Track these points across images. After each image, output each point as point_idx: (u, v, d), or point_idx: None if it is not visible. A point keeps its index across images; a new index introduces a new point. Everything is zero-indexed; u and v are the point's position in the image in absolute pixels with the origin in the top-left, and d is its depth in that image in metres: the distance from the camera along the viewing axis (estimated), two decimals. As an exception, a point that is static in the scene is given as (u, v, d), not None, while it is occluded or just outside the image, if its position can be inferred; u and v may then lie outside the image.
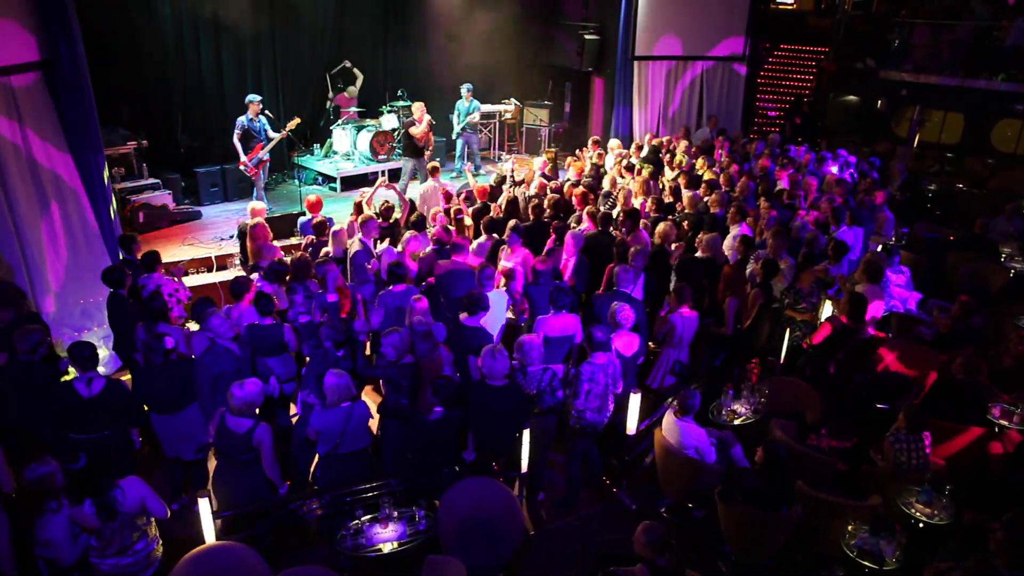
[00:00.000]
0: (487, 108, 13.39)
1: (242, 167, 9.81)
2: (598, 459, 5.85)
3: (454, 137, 12.08)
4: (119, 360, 6.43)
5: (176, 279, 6.60)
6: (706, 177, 9.40)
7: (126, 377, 5.94)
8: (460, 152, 12.12)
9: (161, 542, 4.17)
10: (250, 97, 9.66)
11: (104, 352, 6.58)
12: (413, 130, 10.54)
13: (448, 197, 9.05)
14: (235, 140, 9.62)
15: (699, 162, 10.33)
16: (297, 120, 9.95)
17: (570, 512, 5.72)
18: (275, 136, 9.81)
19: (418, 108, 10.72)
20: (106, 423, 4.80)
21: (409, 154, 10.75)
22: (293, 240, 8.88)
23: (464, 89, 11.84)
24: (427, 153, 10.82)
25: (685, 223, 8.05)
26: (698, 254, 7.18)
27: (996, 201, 10.61)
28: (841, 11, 14.91)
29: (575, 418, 5.35)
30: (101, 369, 5.30)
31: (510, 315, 6.55)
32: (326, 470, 4.79)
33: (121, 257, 7.24)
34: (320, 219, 7.61)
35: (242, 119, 9.60)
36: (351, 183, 11.16)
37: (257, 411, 4.55)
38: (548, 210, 8.10)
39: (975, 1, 13.18)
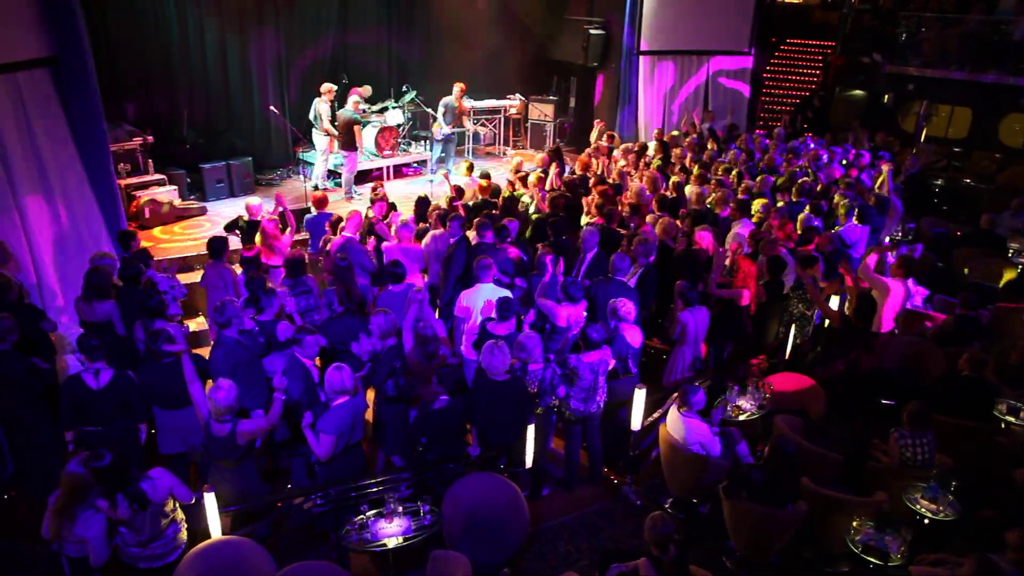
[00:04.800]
0: (492, 103, 13.34)
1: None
2: (599, 451, 5.85)
3: (439, 139, 11.58)
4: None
5: (169, 275, 6.54)
6: (696, 172, 9.32)
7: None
8: (440, 155, 11.71)
9: (186, 525, 4.19)
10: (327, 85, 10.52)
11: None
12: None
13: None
14: (329, 127, 10.36)
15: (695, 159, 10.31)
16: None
17: (569, 490, 5.81)
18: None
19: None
20: (115, 415, 4.82)
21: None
22: (299, 236, 8.86)
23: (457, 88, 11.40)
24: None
25: (686, 220, 8.01)
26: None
27: (1004, 196, 10.55)
28: (848, 5, 14.84)
29: (560, 404, 5.40)
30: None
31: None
32: (327, 466, 4.74)
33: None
34: (336, 216, 7.67)
35: (335, 108, 10.38)
36: (355, 178, 11.14)
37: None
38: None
39: None
